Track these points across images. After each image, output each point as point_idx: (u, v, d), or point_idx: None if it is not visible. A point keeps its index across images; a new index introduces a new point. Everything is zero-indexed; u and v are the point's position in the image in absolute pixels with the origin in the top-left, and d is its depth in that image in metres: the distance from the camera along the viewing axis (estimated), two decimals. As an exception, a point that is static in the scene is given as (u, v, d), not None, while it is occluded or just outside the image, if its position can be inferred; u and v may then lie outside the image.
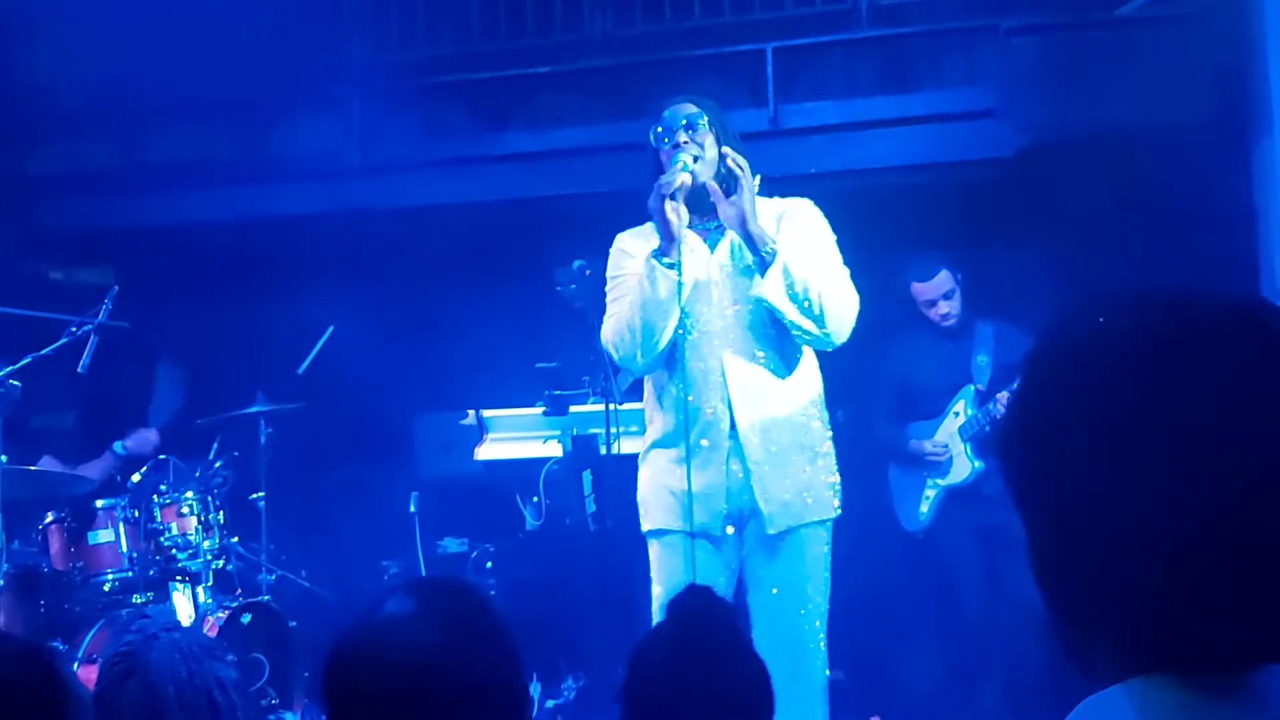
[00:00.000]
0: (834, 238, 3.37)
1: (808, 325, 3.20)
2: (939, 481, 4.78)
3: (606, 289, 3.45)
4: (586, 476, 4.69)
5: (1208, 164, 4.62)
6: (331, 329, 5.32)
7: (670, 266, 3.16)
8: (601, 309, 4.82)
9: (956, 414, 4.79)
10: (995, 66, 5.25)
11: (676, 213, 3.15)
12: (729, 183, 3.26)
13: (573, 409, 4.66)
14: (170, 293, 5.59)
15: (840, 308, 3.22)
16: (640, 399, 4.72)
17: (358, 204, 5.75)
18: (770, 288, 3.15)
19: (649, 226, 3.33)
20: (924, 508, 4.81)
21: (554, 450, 4.84)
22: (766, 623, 3.29)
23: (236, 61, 5.74)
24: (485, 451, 5.09)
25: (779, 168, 5.30)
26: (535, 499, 5.06)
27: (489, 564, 5.35)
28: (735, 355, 3.25)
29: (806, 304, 3.16)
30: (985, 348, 4.80)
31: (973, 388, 4.78)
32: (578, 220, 5.65)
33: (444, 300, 5.79)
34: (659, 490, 3.34)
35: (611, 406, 4.20)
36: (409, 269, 5.63)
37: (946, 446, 4.76)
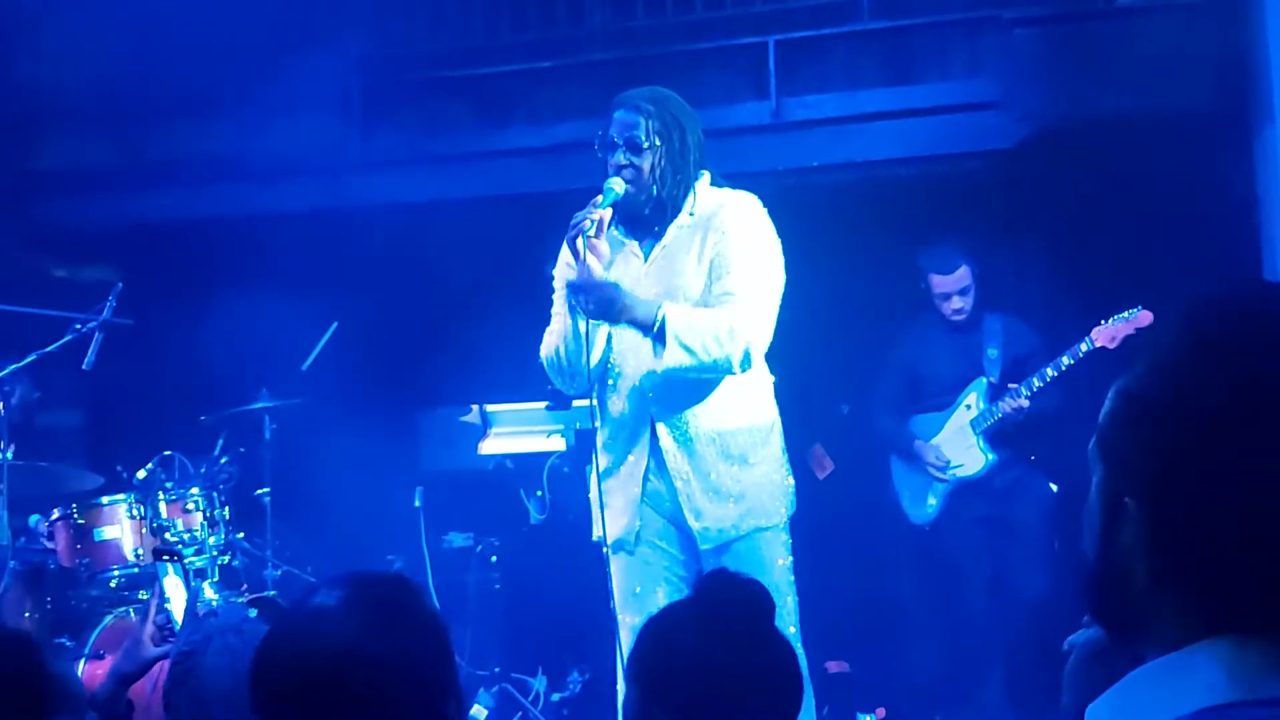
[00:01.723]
0: (767, 243, 3.23)
1: (716, 371, 3.15)
2: (953, 475, 4.74)
3: (554, 297, 3.39)
4: (590, 471, 4.69)
5: (1209, 153, 4.62)
6: (335, 325, 5.33)
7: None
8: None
9: (969, 407, 4.75)
10: (997, 58, 5.24)
11: (593, 250, 3.08)
12: (659, 208, 3.20)
13: (576, 403, 4.67)
14: (174, 289, 5.60)
15: (744, 347, 3.11)
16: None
17: (360, 199, 5.76)
18: (669, 359, 3.08)
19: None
20: (932, 500, 4.77)
21: (557, 445, 4.86)
22: None
23: (238, 57, 5.75)
24: (489, 446, 5.11)
25: (782, 161, 5.32)
26: (539, 493, 5.07)
27: (494, 558, 5.36)
28: (659, 367, 3.17)
29: (712, 362, 3.09)
30: (995, 341, 4.76)
31: (985, 381, 4.74)
32: (580, 214, 5.65)
33: (447, 295, 5.79)
34: (594, 502, 3.37)
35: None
36: (412, 264, 5.64)
37: (948, 462, 4.72)
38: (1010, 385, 4.62)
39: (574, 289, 3.12)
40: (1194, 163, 4.58)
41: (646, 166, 3.16)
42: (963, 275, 4.73)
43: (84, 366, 4.43)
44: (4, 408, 4.43)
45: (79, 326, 4.48)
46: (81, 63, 6.08)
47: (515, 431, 5.00)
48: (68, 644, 4.37)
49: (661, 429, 3.22)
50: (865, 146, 5.39)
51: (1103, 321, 4.42)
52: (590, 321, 3.15)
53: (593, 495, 3.39)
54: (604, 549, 3.38)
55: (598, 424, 3.36)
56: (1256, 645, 0.90)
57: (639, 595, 3.26)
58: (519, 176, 5.71)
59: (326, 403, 5.14)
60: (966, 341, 4.79)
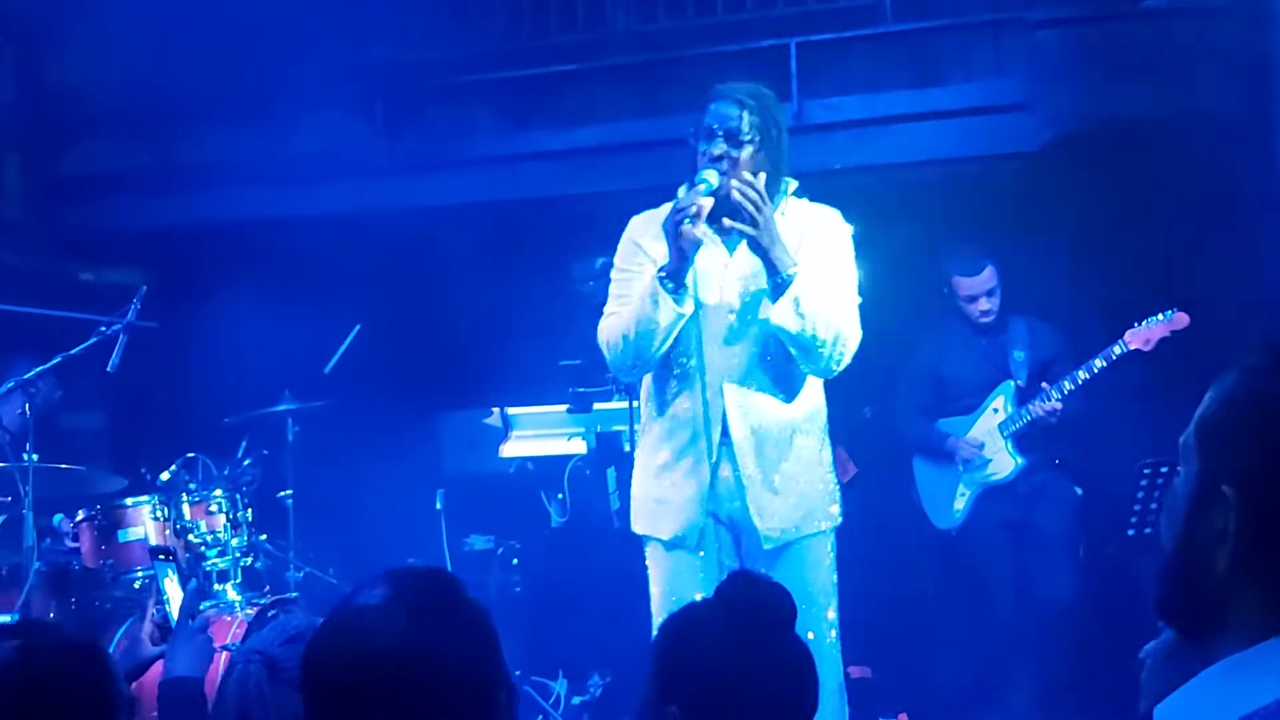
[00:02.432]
0: (853, 257, 3.26)
1: (808, 355, 3.12)
2: (977, 478, 4.71)
3: (612, 275, 3.33)
4: (610, 473, 4.69)
5: (1235, 155, 4.58)
6: (358, 328, 5.35)
7: (675, 291, 3.07)
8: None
9: (995, 410, 4.71)
10: (1021, 60, 5.22)
11: (690, 238, 3.03)
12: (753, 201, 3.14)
13: (596, 406, 4.68)
14: (198, 292, 5.64)
15: (843, 345, 3.13)
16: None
17: (383, 203, 5.78)
18: (779, 314, 3.07)
19: (666, 210, 3.22)
20: (959, 504, 4.73)
21: (578, 447, 4.85)
22: None
23: (262, 62, 5.78)
24: (510, 449, 5.11)
25: (804, 163, 5.23)
26: (560, 496, 5.07)
27: (515, 561, 5.37)
28: (737, 362, 3.16)
29: (812, 336, 3.08)
30: (1021, 343, 4.72)
31: (1013, 384, 4.70)
32: (602, 218, 5.64)
33: (469, 298, 5.80)
34: (645, 496, 3.29)
35: (635, 404, 4.20)
36: (434, 267, 5.66)
37: (983, 445, 4.68)
38: (1044, 385, 4.56)
39: (733, 202, 3.03)
40: (1220, 164, 4.54)
41: (743, 158, 3.11)
42: (989, 276, 4.69)
43: (108, 369, 4.45)
44: (29, 409, 4.46)
45: (104, 329, 4.50)
46: (107, 69, 6.13)
47: (536, 434, 4.99)
48: (92, 645, 4.40)
49: (735, 424, 3.15)
50: (888, 149, 5.37)
51: (1136, 324, 4.38)
52: (677, 311, 3.07)
53: (641, 489, 3.30)
54: (646, 545, 3.30)
55: (650, 415, 3.28)
56: None
57: (684, 597, 3.15)
58: (541, 180, 5.72)
59: (349, 405, 5.16)
60: (992, 344, 4.75)
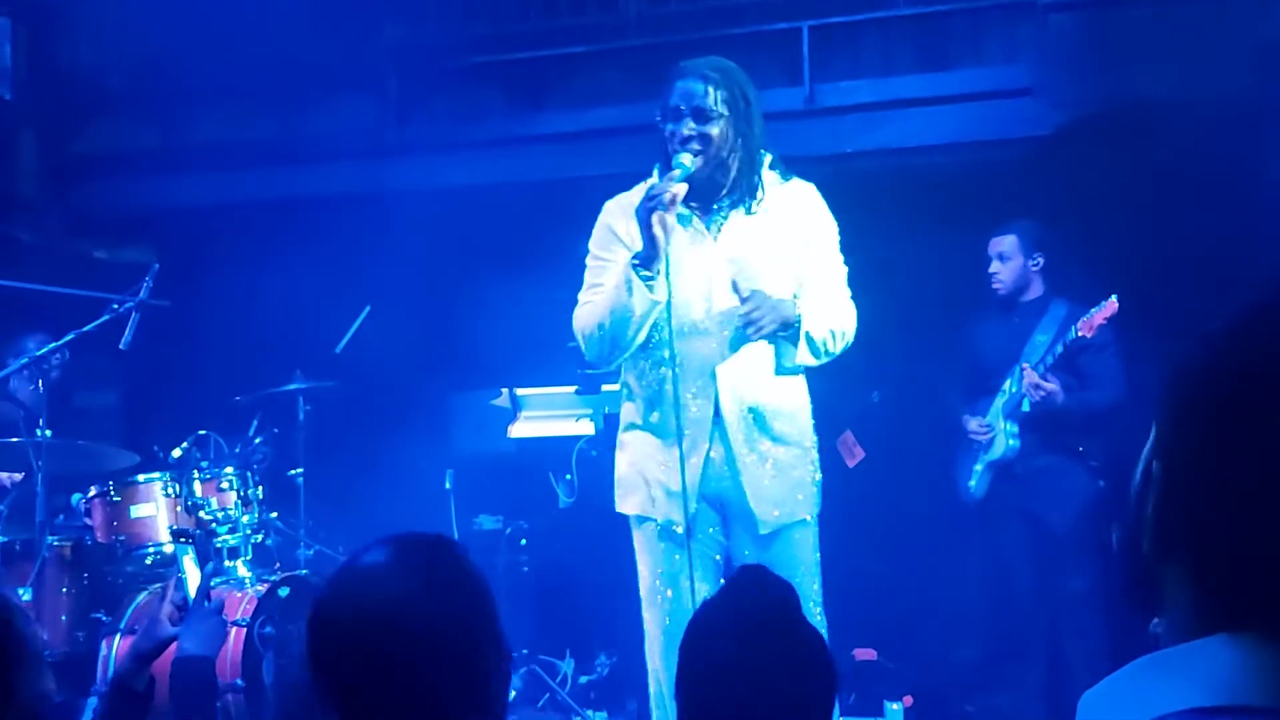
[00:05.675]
0: (836, 228, 3.24)
1: (822, 361, 3.18)
2: (985, 455, 4.74)
3: (587, 262, 3.27)
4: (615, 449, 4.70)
5: (1248, 139, 4.56)
6: (369, 308, 5.37)
7: (649, 279, 3.01)
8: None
9: (1004, 391, 4.73)
10: (1033, 44, 5.20)
11: (663, 225, 2.97)
12: (727, 183, 3.11)
13: (605, 387, 4.69)
14: (210, 271, 5.67)
15: (848, 339, 3.20)
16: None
17: (395, 184, 5.79)
18: (801, 358, 3.12)
19: (639, 193, 3.14)
20: (973, 482, 4.77)
21: (586, 428, 4.87)
22: None
23: (276, 43, 5.80)
24: (519, 429, 5.13)
25: (815, 147, 5.30)
26: (568, 476, 5.09)
27: (523, 541, 5.40)
28: (726, 347, 3.12)
29: (828, 354, 3.17)
30: (1050, 327, 4.69)
31: (1018, 366, 4.71)
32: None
33: (479, 280, 5.82)
34: (634, 477, 3.24)
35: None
36: (445, 249, 5.67)
37: (990, 426, 4.70)
38: (1024, 366, 4.55)
39: (753, 314, 3.04)
40: (1233, 148, 4.52)
41: (715, 135, 3.04)
42: (1003, 242, 4.68)
43: (121, 346, 4.48)
44: (42, 384, 4.49)
45: (116, 307, 4.53)
46: (121, 49, 6.16)
47: (545, 415, 5.01)
48: (104, 619, 4.44)
49: (728, 409, 3.12)
50: (899, 133, 5.36)
51: (1091, 311, 4.41)
52: (651, 299, 3.01)
53: (630, 470, 3.25)
54: (637, 526, 3.26)
55: (635, 398, 3.25)
56: (1267, 643, 0.87)
57: (679, 585, 3.14)
58: (553, 161, 5.73)
59: (359, 385, 5.19)
60: (1020, 325, 4.72)
